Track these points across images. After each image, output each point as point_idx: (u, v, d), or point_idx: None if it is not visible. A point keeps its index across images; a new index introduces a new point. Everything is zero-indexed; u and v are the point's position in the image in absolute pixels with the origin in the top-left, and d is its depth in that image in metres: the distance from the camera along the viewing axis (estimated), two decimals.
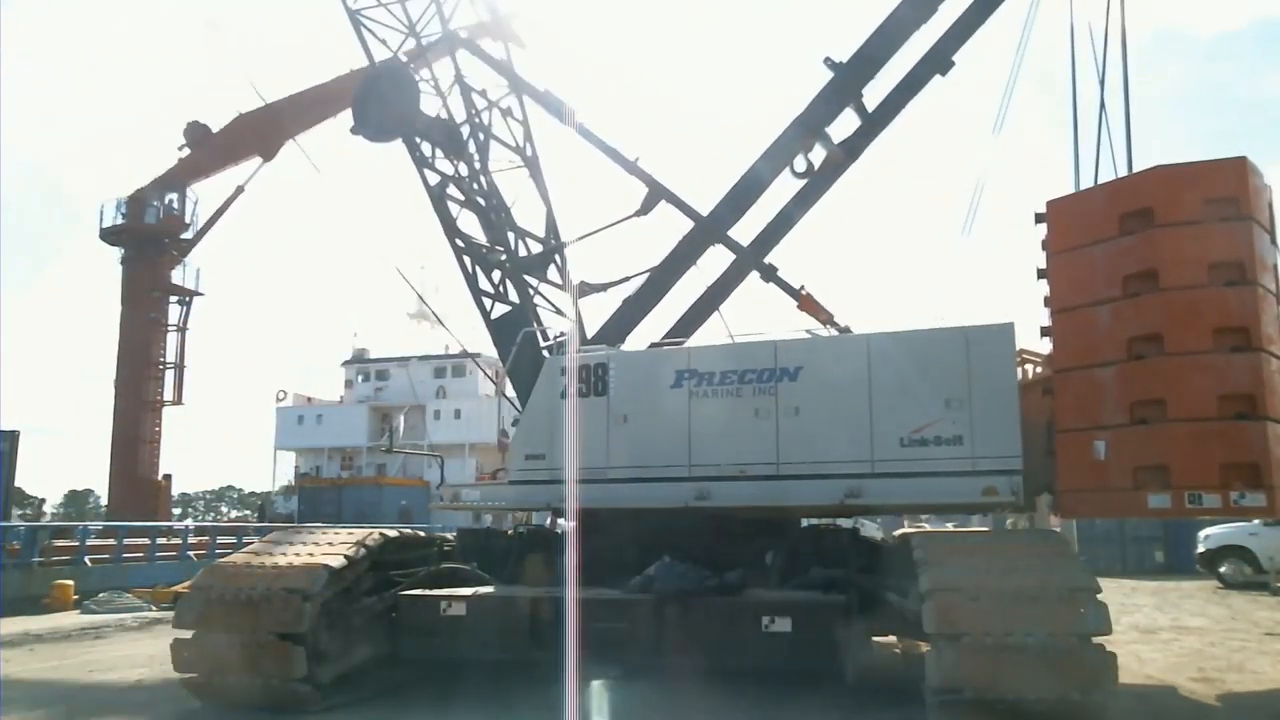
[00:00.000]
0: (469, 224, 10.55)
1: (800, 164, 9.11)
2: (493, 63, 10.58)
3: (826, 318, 9.02)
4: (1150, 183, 6.47)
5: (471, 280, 10.36)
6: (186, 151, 30.78)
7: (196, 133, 30.49)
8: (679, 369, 7.58)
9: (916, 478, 6.79)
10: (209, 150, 30.44)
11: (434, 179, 10.42)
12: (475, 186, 10.42)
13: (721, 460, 7.28)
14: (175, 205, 31.05)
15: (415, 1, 10.53)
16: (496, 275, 10.36)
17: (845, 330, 8.81)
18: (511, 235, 10.49)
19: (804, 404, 7.16)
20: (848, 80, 8.94)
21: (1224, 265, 6.09)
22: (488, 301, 10.34)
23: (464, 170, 10.45)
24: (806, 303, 9.17)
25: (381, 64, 10.43)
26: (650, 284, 9.57)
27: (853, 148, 8.98)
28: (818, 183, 9.08)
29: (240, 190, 31.23)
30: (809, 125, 9.06)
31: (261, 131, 29.18)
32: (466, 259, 10.39)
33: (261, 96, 26.73)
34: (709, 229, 9.37)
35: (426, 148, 10.40)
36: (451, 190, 10.45)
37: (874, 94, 8.99)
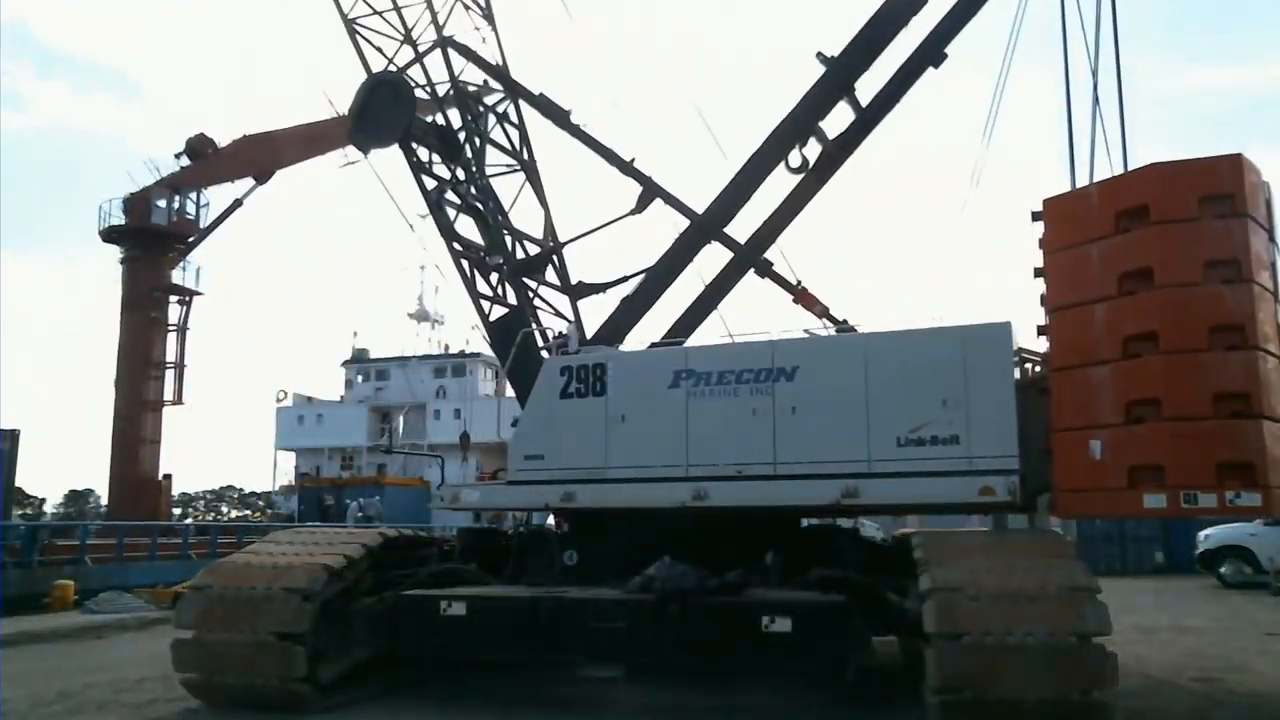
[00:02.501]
0: (466, 228, 10.66)
1: (795, 159, 9.08)
2: (487, 68, 10.68)
3: (822, 311, 9.07)
4: (1146, 180, 6.42)
5: (470, 283, 10.47)
6: (185, 160, 31.05)
7: (202, 145, 30.76)
8: (676, 369, 7.59)
9: (913, 478, 6.78)
10: (209, 164, 30.70)
11: (431, 184, 10.53)
12: (472, 191, 10.53)
13: (719, 460, 7.29)
14: (189, 209, 31.13)
15: (411, 9, 10.64)
16: (494, 277, 10.44)
17: (844, 325, 8.82)
18: (509, 238, 10.57)
19: (801, 403, 7.16)
20: (840, 74, 8.90)
21: (1219, 263, 6.02)
22: (485, 304, 10.46)
23: (461, 175, 10.53)
24: (803, 297, 9.21)
25: (378, 74, 10.52)
26: (647, 284, 9.58)
27: (846, 142, 8.95)
28: (813, 178, 9.05)
29: (239, 203, 31.60)
30: (802, 121, 9.03)
31: (258, 157, 30.06)
32: (464, 262, 10.48)
33: None
34: (704, 227, 9.39)
35: (423, 153, 10.49)
36: (449, 195, 10.54)
37: (867, 87, 8.95)
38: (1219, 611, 13.60)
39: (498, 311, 10.38)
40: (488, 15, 11.16)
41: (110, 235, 30.67)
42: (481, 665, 7.59)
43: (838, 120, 9.05)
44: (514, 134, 11.09)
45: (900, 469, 6.82)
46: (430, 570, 7.71)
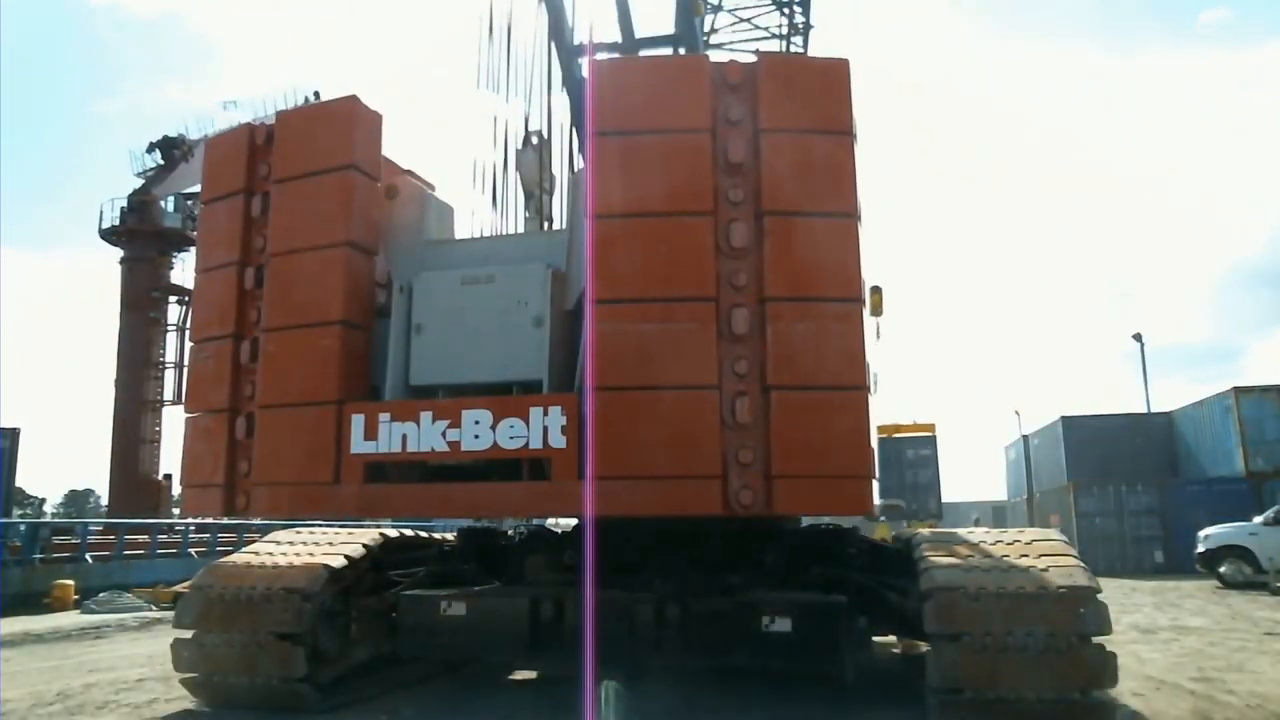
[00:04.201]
0: None
1: None
2: None
3: None
4: None
5: None
6: (157, 155, 31.07)
7: (179, 146, 30.73)
8: None
9: None
10: (186, 165, 30.64)
11: None
12: None
13: None
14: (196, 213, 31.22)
15: None
16: None
17: None
18: None
19: None
20: None
21: None
22: None
23: None
24: None
25: None
26: None
27: None
28: None
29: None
30: None
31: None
32: None
33: None
34: None
35: None
36: None
37: None
38: (1219, 611, 13.60)
39: None
40: None
41: (110, 235, 30.74)
42: (482, 665, 7.58)
43: None
44: None
45: None
46: (430, 570, 7.71)
